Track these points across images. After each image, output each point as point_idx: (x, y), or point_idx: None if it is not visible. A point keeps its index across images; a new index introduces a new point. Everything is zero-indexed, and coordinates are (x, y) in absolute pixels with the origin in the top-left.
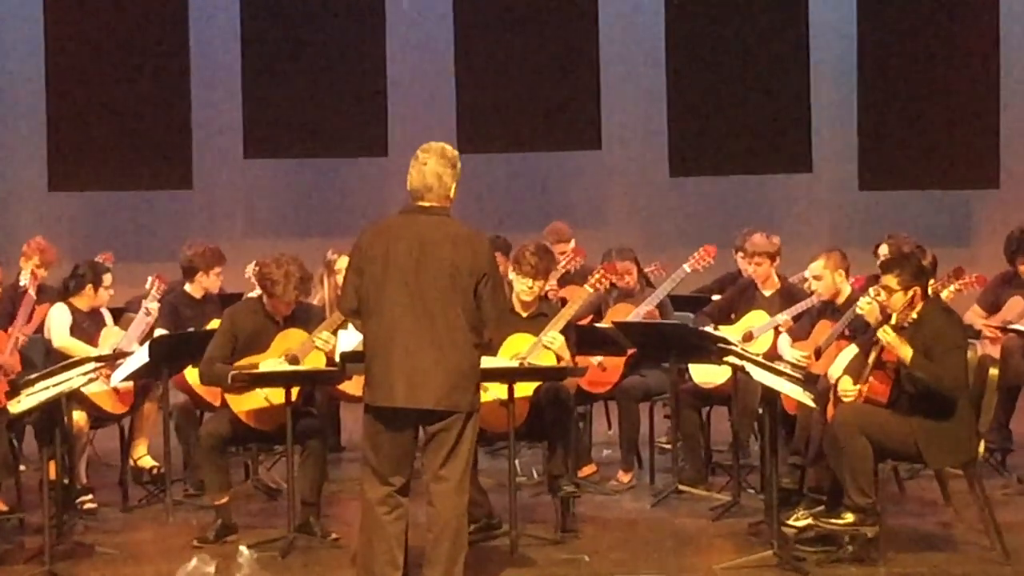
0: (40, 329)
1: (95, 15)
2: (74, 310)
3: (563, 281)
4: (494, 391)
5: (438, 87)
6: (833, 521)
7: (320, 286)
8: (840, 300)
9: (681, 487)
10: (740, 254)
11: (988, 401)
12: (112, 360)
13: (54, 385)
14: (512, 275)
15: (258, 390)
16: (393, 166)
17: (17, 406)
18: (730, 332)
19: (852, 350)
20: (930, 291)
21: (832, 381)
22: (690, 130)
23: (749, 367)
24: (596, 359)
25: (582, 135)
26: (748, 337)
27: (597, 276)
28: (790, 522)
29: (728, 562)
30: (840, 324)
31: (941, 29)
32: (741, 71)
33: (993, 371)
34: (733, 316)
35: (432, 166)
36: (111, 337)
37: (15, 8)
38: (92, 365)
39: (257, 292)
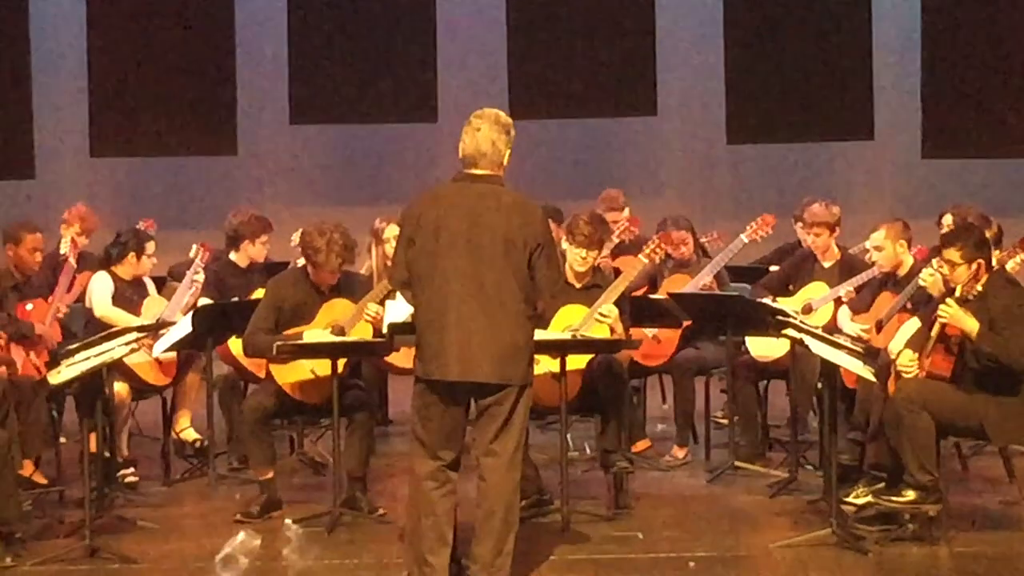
0: (81, 298)
1: None
2: (116, 279)
3: (617, 251)
4: (546, 364)
5: (490, 51)
6: (894, 499)
7: (367, 255)
8: (902, 272)
9: (737, 463)
10: (799, 224)
11: None
12: (155, 330)
13: (95, 355)
14: (565, 245)
15: (303, 362)
16: (443, 132)
17: (57, 377)
18: (789, 304)
19: (914, 323)
20: (995, 262)
21: (893, 355)
22: (748, 96)
23: (808, 340)
24: (651, 331)
25: (637, 101)
26: (807, 309)
27: (652, 246)
28: (849, 499)
29: (785, 540)
30: (902, 296)
31: None
32: (801, 35)
33: None
34: (792, 288)
35: (486, 132)
36: (154, 306)
37: None
38: (134, 335)
39: (303, 262)
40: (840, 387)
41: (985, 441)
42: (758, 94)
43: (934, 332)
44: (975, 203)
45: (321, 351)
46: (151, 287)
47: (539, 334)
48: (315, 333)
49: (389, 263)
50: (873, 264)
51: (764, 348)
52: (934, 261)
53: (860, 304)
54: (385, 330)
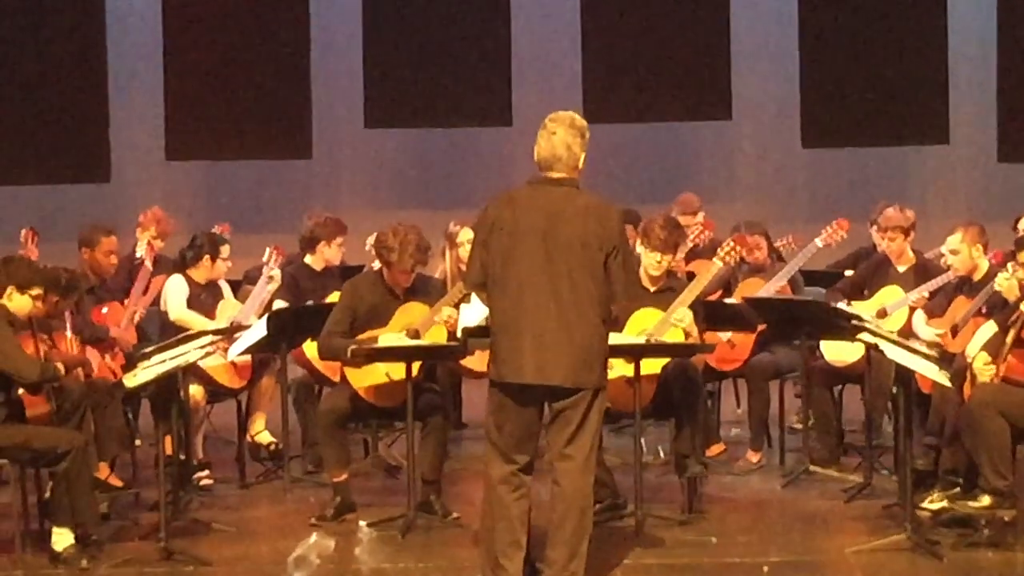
0: (156, 301)
1: None
2: (191, 282)
3: (691, 255)
4: (620, 368)
5: (564, 55)
6: (969, 504)
7: (442, 259)
8: (977, 276)
9: (812, 468)
10: (874, 228)
11: None
12: (230, 333)
13: (171, 359)
14: (640, 248)
15: (378, 365)
16: (517, 136)
17: (133, 380)
18: (863, 308)
19: (990, 327)
20: None
21: (969, 360)
22: (823, 100)
23: (883, 345)
24: (725, 335)
25: (712, 105)
26: (882, 314)
27: (727, 249)
28: (924, 504)
29: (860, 545)
30: (977, 301)
31: None
32: (876, 38)
33: None
34: (866, 292)
35: (561, 136)
36: (229, 310)
37: None
38: (209, 338)
39: (378, 265)
40: (915, 392)
41: None
42: (833, 98)
43: (1010, 337)
44: None
45: (396, 354)
46: (226, 290)
47: (614, 338)
48: (390, 336)
49: (463, 267)
50: (948, 268)
51: (839, 353)
52: (1010, 265)
53: (935, 308)
54: (460, 334)
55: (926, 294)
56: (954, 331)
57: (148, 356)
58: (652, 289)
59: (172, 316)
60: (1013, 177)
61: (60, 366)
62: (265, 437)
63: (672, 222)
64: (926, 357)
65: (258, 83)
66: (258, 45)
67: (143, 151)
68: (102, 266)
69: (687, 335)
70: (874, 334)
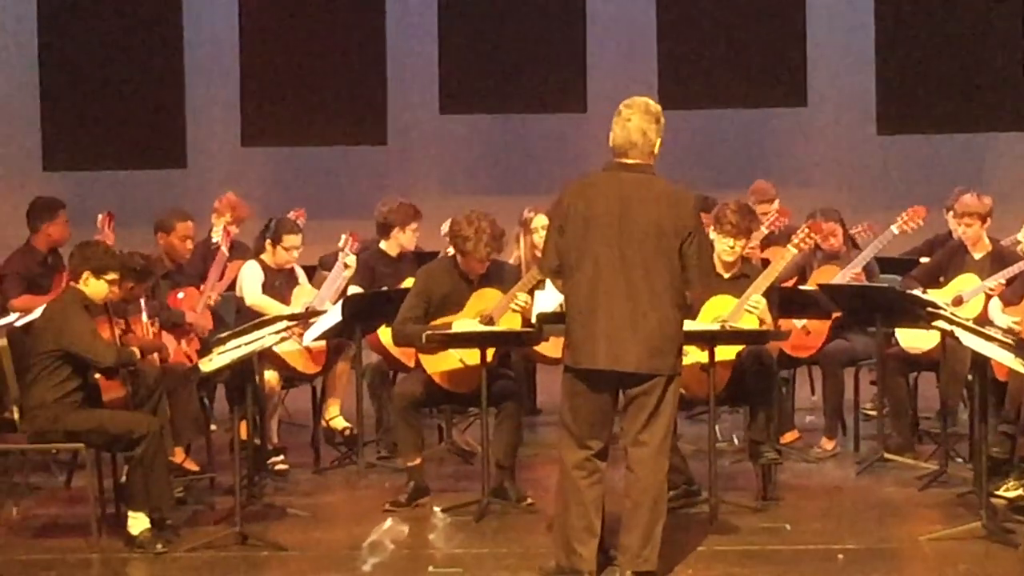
0: (232, 287)
1: None
2: (266, 267)
3: (767, 242)
4: (695, 355)
5: (639, 40)
6: None
7: (516, 245)
8: None
9: (887, 455)
10: (950, 214)
11: None
12: (305, 319)
13: (246, 344)
14: (713, 235)
15: (452, 351)
16: (592, 122)
17: (208, 365)
18: (939, 296)
19: None
20: None
21: None
22: (899, 86)
23: (959, 332)
24: (800, 322)
25: (787, 92)
26: (958, 301)
27: (802, 235)
28: (1000, 492)
29: (934, 533)
30: None
31: None
32: (953, 23)
33: None
34: (942, 279)
35: (636, 122)
36: (304, 295)
37: None
38: (284, 324)
39: (452, 251)
40: (991, 379)
41: None
42: (909, 84)
43: None
44: None
45: (470, 340)
46: (301, 276)
47: (688, 325)
48: (464, 322)
49: (538, 253)
50: None
51: (914, 340)
52: None
53: (1011, 296)
54: (534, 320)
55: (1003, 281)
56: None
57: (223, 341)
58: (726, 276)
59: (248, 301)
60: None
61: (136, 351)
62: (340, 422)
63: (744, 207)
64: (1002, 344)
65: (334, 69)
66: (334, 32)
67: (219, 137)
68: (178, 251)
69: (762, 322)
70: (950, 321)
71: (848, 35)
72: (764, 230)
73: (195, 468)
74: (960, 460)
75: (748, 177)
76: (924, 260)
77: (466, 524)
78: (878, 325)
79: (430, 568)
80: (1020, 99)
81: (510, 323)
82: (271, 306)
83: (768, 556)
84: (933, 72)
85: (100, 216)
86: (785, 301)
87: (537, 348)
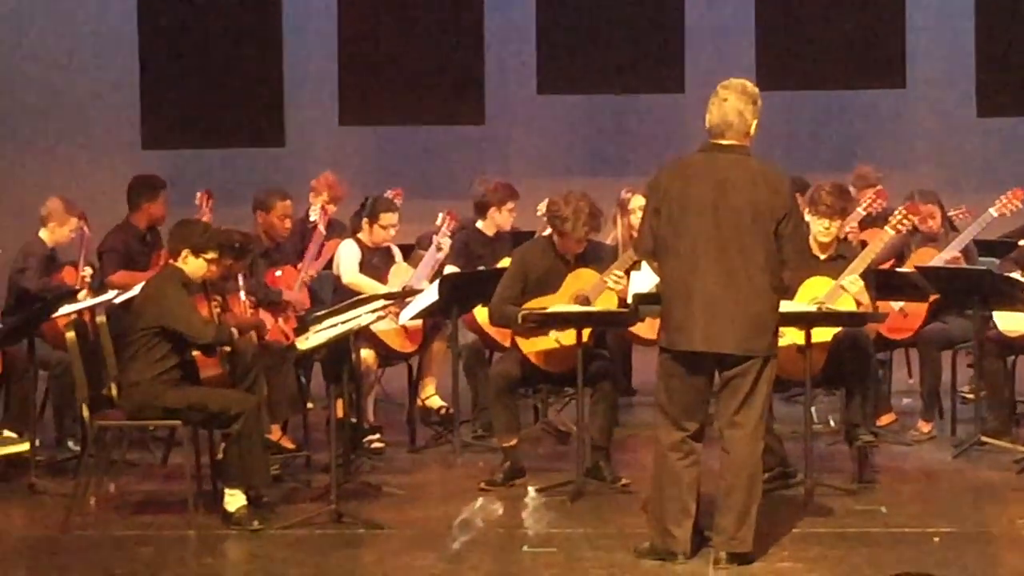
0: (329, 265)
1: None
2: (363, 246)
3: (865, 224)
4: (791, 336)
5: (738, 21)
6: None
7: (613, 225)
8: None
9: (984, 439)
10: None
11: None
12: (401, 298)
13: (342, 322)
14: (808, 216)
15: (548, 331)
16: (689, 103)
17: (305, 343)
18: None
19: None
20: None
21: None
22: (999, 68)
23: None
24: (897, 305)
25: (885, 73)
26: None
27: (899, 217)
28: None
29: None
30: None
31: None
32: None
33: None
34: None
35: (732, 103)
36: (401, 274)
37: None
38: (381, 303)
39: (549, 231)
40: None
41: None
42: (1009, 66)
43: None
44: None
45: (566, 321)
46: (398, 255)
47: (784, 306)
48: (560, 303)
49: (635, 233)
50: None
51: (1012, 323)
52: None
53: None
54: (630, 300)
55: None
56: None
57: (320, 319)
58: (823, 257)
59: (344, 280)
60: None
61: (234, 329)
62: (436, 401)
63: (839, 188)
64: None
65: (432, 48)
66: (431, 11)
67: (317, 116)
68: (276, 229)
69: (859, 304)
70: None
71: (948, 16)
72: (862, 212)
73: (291, 446)
74: None
75: (845, 159)
76: (1023, 243)
77: (561, 504)
78: (976, 308)
79: (524, 547)
80: None
81: (606, 303)
82: (368, 285)
83: (863, 538)
84: None
85: (198, 194)
86: (882, 283)
87: (633, 329)
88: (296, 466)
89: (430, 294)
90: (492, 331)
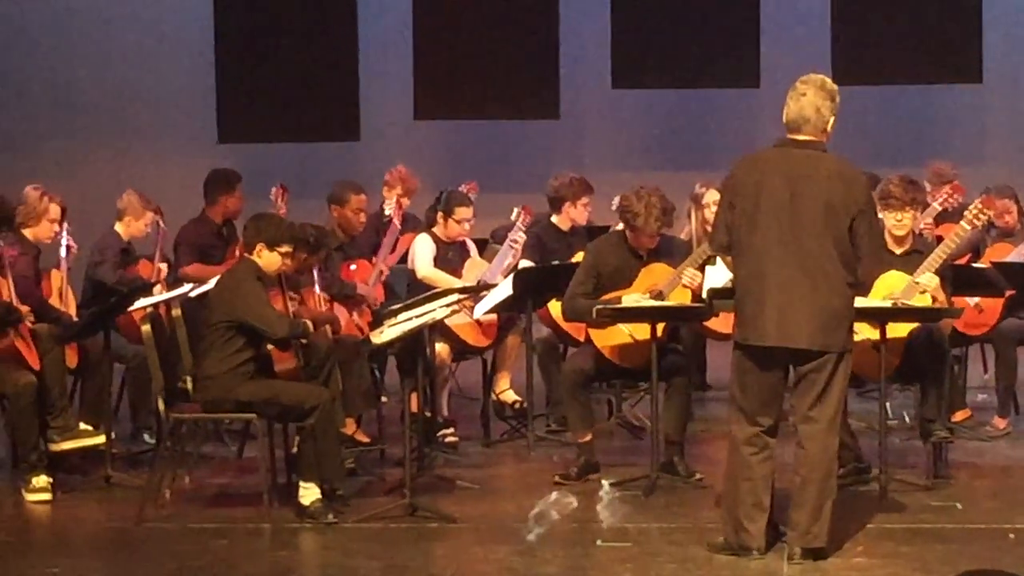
0: (404, 259)
1: None
2: (438, 240)
3: (940, 219)
4: (866, 332)
5: (813, 16)
6: None
7: (687, 220)
8: None
9: None
10: None
11: None
12: (476, 292)
13: (417, 316)
14: (880, 212)
15: (622, 326)
16: (764, 98)
17: (379, 337)
18: None
19: None
20: None
21: None
22: None
23: None
24: (973, 300)
25: (962, 68)
26: None
27: (975, 211)
28: None
29: None
30: None
31: None
32: None
33: None
34: None
35: (810, 98)
36: (475, 269)
37: None
38: (455, 297)
39: (622, 226)
40: None
41: None
42: None
43: None
44: None
45: (640, 315)
46: (473, 249)
47: (859, 302)
48: (634, 297)
49: (709, 228)
50: None
51: None
52: None
53: None
54: (704, 295)
55: None
56: None
57: (395, 313)
58: (898, 252)
59: (419, 274)
60: None
61: (308, 322)
62: (510, 395)
63: (907, 179)
64: None
65: (507, 43)
66: (506, 5)
67: (392, 110)
68: (351, 223)
69: (934, 299)
70: None
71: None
72: (938, 207)
73: (366, 439)
74: None
75: (921, 154)
76: None
77: (635, 499)
78: None
79: (598, 542)
80: None
81: (680, 298)
82: (442, 279)
83: (938, 535)
84: None
85: (273, 189)
86: (958, 278)
87: (707, 324)
88: (370, 460)
89: (504, 288)
90: (566, 325)
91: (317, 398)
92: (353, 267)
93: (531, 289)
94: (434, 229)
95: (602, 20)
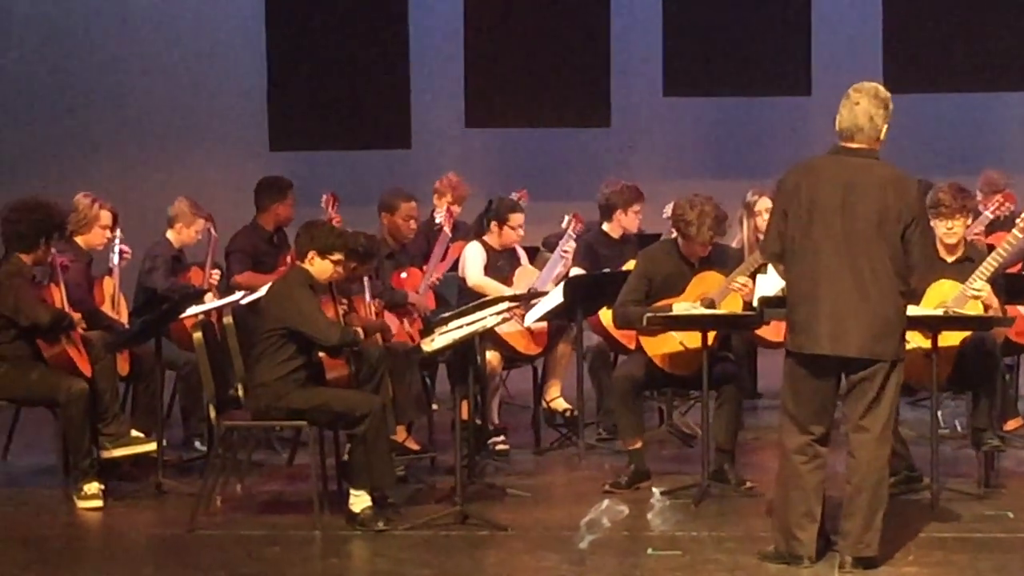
0: (455, 267)
1: None
2: (488, 248)
3: (992, 228)
4: (917, 340)
5: (865, 24)
6: None
7: (739, 228)
8: None
9: None
10: None
11: None
12: (526, 300)
13: (468, 324)
14: (931, 220)
15: (673, 333)
16: (816, 105)
17: (430, 345)
18: None
19: None
20: None
21: None
22: None
23: None
24: None
25: (1014, 77)
26: None
27: None
28: None
29: None
30: None
31: None
32: None
33: None
34: None
35: (864, 106)
36: (526, 276)
37: None
38: (506, 304)
39: (674, 234)
40: None
41: None
42: None
43: None
44: None
45: (691, 323)
46: (523, 257)
47: (911, 310)
48: (685, 305)
49: (761, 236)
50: None
51: None
52: None
53: None
54: (756, 303)
55: None
56: None
57: (446, 321)
58: (950, 260)
59: (470, 282)
60: None
61: (359, 330)
62: (560, 403)
63: (956, 186)
64: None
65: (558, 51)
66: (557, 13)
67: (443, 118)
68: (402, 231)
69: (987, 308)
70: None
71: None
72: (990, 216)
73: (417, 447)
74: None
75: (974, 163)
76: None
77: (685, 507)
78: None
79: (649, 550)
80: None
81: (731, 306)
82: (493, 287)
83: (990, 544)
84: None
85: (324, 196)
86: (1010, 287)
87: (759, 332)
88: (421, 467)
89: (555, 296)
90: (617, 333)
91: (368, 406)
92: (404, 275)
93: (582, 297)
94: (485, 237)
95: (654, 28)
